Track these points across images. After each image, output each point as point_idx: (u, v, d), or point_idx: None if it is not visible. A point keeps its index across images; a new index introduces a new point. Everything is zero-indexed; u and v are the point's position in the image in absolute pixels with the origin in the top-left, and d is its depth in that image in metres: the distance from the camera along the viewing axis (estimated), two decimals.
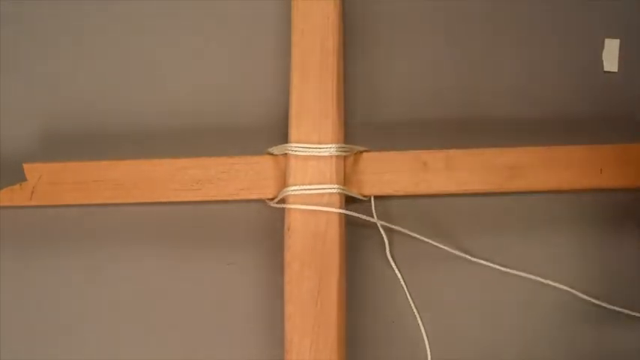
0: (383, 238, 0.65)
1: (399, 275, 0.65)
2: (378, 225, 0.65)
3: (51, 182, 0.65)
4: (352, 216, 0.64)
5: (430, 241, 0.64)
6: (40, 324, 0.67)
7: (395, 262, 0.66)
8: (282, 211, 0.64)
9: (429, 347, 0.63)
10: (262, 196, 0.65)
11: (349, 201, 0.65)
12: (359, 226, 0.66)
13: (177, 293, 0.67)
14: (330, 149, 0.63)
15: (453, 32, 0.71)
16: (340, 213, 0.62)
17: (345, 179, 0.64)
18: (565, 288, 0.64)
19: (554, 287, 0.65)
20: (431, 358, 0.64)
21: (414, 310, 0.64)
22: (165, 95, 0.72)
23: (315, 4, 0.67)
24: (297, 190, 0.63)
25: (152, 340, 0.67)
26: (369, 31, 0.72)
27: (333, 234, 0.62)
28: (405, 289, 0.64)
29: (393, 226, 0.65)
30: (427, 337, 0.64)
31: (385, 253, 0.66)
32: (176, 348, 0.66)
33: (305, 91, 0.65)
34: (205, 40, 0.73)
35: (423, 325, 0.64)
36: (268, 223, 0.67)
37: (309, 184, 0.63)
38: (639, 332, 0.64)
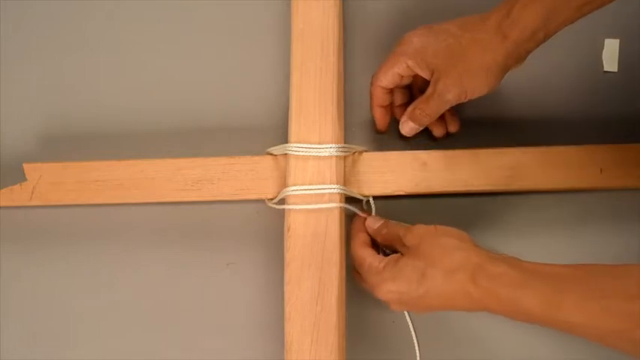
0: None
1: None
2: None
3: (51, 182, 0.65)
4: (352, 216, 0.64)
5: None
6: (39, 323, 0.67)
7: None
8: (282, 211, 0.64)
9: (422, 347, 0.63)
10: (262, 196, 0.65)
11: (349, 201, 0.65)
12: None
13: (177, 293, 0.67)
14: (330, 149, 0.63)
15: None
16: (340, 214, 0.62)
17: (345, 179, 0.64)
18: None
19: None
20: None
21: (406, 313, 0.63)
22: (166, 95, 0.72)
23: (315, 4, 0.67)
24: (297, 190, 0.63)
25: (152, 340, 0.66)
26: (369, 31, 0.72)
27: (333, 234, 0.62)
28: None
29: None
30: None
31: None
32: (176, 347, 0.66)
33: (305, 91, 0.65)
34: (205, 40, 0.73)
35: (416, 325, 0.63)
36: (268, 223, 0.67)
37: (309, 184, 0.63)
38: None
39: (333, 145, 0.63)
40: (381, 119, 0.66)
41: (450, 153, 0.64)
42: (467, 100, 0.59)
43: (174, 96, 0.72)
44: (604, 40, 0.70)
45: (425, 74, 0.60)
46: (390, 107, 0.66)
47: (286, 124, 0.65)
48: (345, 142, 0.65)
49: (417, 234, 0.55)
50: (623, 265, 0.48)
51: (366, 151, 0.65)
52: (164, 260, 0.68)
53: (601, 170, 0.63)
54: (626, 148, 0.64)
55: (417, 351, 0.63)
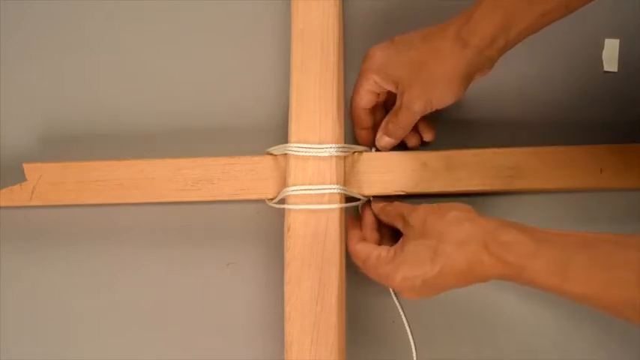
0: None
1: None
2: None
3: (51, 182, 0.65)
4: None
5: None
6: (39, 323, 0.67)
7: None
8: (282, 211, 0.64)
9: (419, 346, 0.63)
10: (262, 196, 0.65)
11: (349, 201, 0.65)
12: None
13: (177, 293, 0.67)
14: (330, 149, 0.63)
15: None
16: (340, 214, 0.63)
17: (345, 179, 0.64)
18: None
19: None
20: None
21: (399, 309, 0.63)
22: (166, 95, 0.72)
23: (315, 4, 0.67)
24: (297, 190, 0.63)
25: (152, 340, 0.66)
26: (369, 31, 0.72)
27: (333, 234, 0.62)
28: (392, 289, 0.64)
29: None
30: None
31: None
32: (176, 347, 0.66)
33: (305, 91, 0.65)
34: (205, 40, 0.73)
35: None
36: (268, 223, 0.67)
37: (309, 184, 0.63)
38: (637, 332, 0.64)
39: (333, 145, 0.63)
40: (365, 140, 0.66)
41: (450, 153, 0.64)
42: (434, 109, 0.59)
43: (175, 96, 0.72)
44: (604, 40, 0.70)
45: (391, 88, 0.61)
46: (373, 129, 0.65)
47: (286, 124, 0.65)
48: (345, 142, 0.65)
49: (422, 212, 0.55)
50: (631, 235, 0.48)
51: (366, 151, 0.65)
52: (164, 260, 0.68)
53: (601, 170, 0.63)
54: (626, 148, 0.64)
55: (414, 351, 0.63)
